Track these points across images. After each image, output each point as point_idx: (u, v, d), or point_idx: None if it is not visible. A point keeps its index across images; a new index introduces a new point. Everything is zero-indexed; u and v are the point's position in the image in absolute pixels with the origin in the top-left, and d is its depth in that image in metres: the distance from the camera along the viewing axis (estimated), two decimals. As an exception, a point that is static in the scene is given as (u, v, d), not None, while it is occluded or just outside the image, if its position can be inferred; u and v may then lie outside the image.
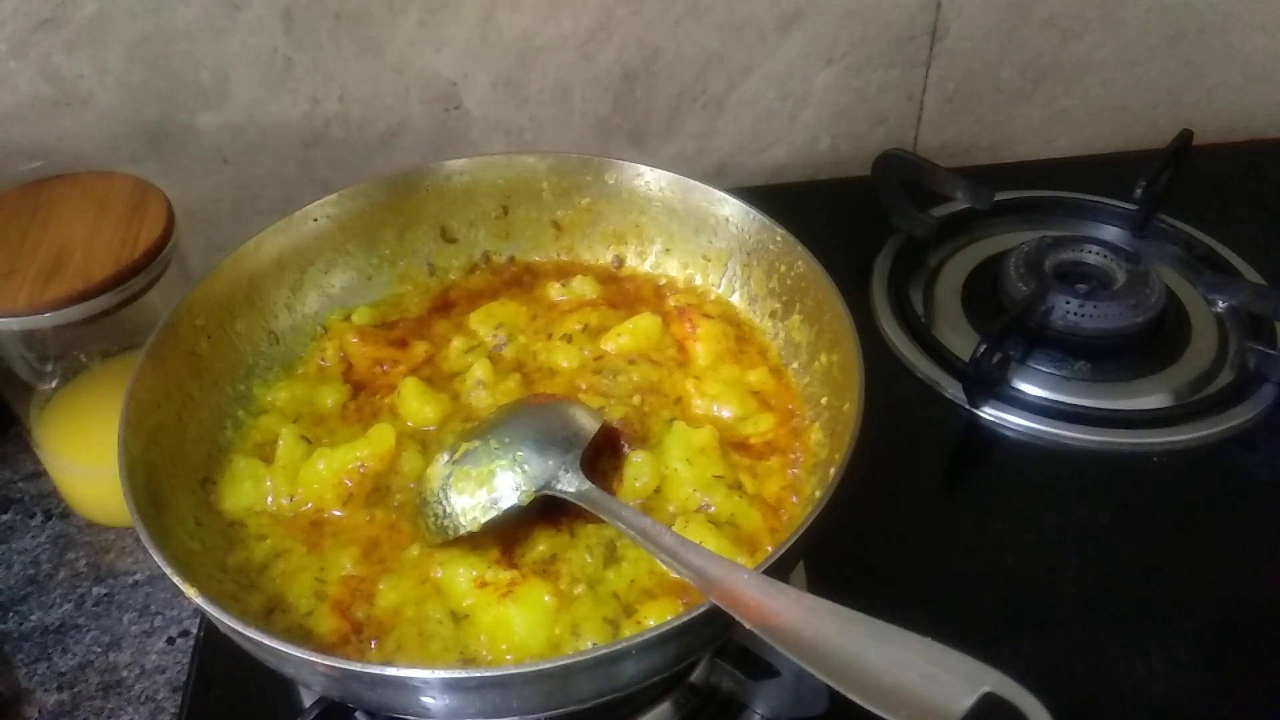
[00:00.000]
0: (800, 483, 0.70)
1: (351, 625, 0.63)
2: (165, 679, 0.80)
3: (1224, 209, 1.17)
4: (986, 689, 0.44)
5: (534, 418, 0.69)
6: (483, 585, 0.63)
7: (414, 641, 0.61)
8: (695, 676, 0.70)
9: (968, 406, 0.94)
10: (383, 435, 0.71)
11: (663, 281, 0.87)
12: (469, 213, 0.88)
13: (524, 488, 0.63)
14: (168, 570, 0.56)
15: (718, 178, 1.23)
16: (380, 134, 1.12)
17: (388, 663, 0.60)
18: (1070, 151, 1.32)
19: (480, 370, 0.77)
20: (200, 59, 1.02)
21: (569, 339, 0.80)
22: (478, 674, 0.51)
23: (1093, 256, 1.04)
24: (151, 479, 0.65)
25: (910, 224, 1.10)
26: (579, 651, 0.59)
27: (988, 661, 0.46)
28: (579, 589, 0.63)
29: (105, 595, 0.86)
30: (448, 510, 0.64)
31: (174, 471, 0.68)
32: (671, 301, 0.84)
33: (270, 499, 0.70)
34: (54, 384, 0.89)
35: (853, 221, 1.14)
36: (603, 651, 0.52)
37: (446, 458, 0.67)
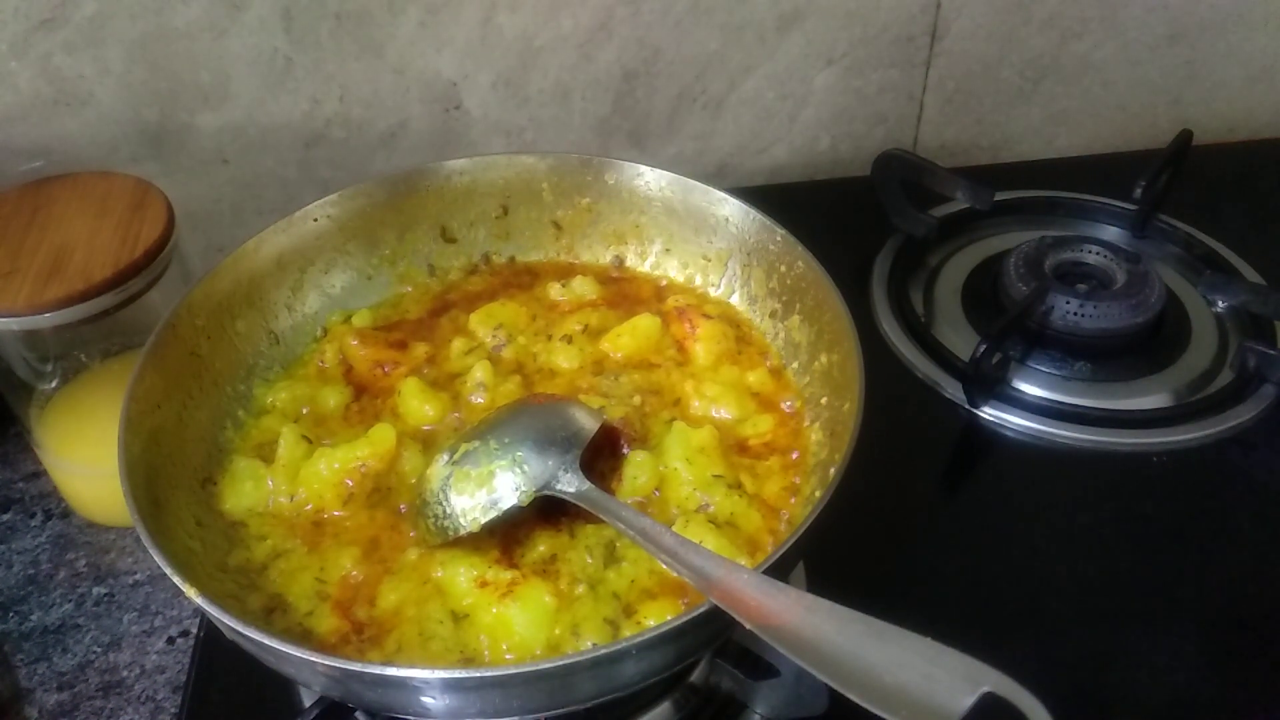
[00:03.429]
0: (800, 483, 0.70)
1: (352, 625, 0.63)
2: (165, 679, 0.80)
3: (1224, 209, 1.16)
4: (986, 689, 0.44)
5: (533, 418, 0.69)
6: (483, 585, 0.63)
7: (414, 641, 0.61)
8: (695, 676, 0.70)
9: (968, 406, 0.94)
10: (384, 435, 0.72)
11: (663, 282, 0.87)
12: (469, 213, 0.88)
13: (524, 488, 0.63)
14: (168, 570, 0.56)
15: (718, 178, 1.23)
16: (380, 134, 1.12)
17: (388, 663, 0.60)
18: (1070, 151, 1.32)
19: (481, 372, 0.77)
20: (200, 59, 1.02)
21: (569, 340, 0.80)
22: (478, 674, 0.51)
23: (1093, 256, 1.04)
24: (151, 479, 0.65)
25: (910, 224, 1.10)
26: (579, 651, 0.59)
27: (988, 661, 0.46)
28: (579, 589, 0.63)
29: (105, 595, 0.86)
30: (448, 511, 0.64)
31: (174, 471, 0.68)
32: (671, 302, 0.84)
33: (271, 499, 0.70)
34: (54, 384, 0.89)
35: (853, 221, 1.14)
36: (603, 651, 0.52)
37: (446, 458, 0.67)
